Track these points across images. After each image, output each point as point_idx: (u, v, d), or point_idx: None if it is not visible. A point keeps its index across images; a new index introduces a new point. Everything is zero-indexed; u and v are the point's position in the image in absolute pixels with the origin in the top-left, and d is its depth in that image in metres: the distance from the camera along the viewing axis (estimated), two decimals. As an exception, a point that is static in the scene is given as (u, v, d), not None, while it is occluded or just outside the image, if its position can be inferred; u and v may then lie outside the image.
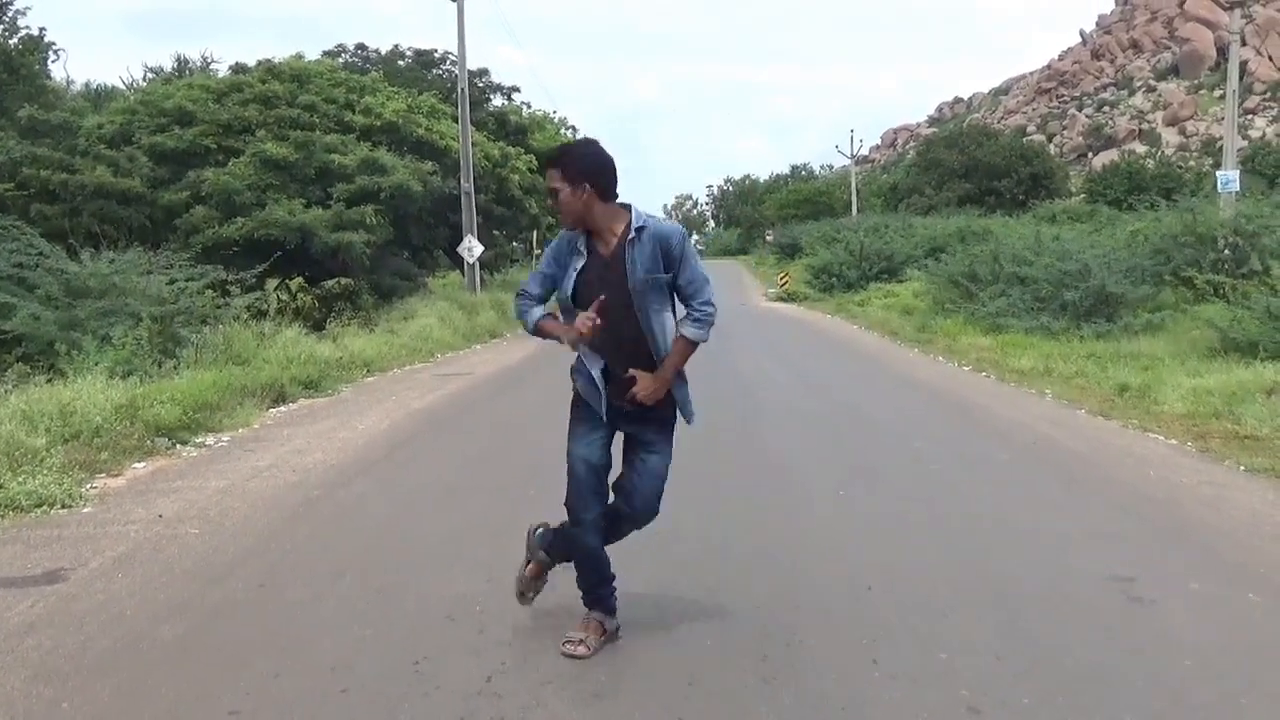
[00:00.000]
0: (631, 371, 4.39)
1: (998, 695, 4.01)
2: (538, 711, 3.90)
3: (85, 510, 7.22)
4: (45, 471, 7.69)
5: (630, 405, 4.42)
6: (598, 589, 4.58)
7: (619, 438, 4.59)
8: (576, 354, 4.50)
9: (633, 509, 4.56)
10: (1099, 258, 19.11)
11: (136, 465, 8.68)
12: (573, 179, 4.33)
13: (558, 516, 4.66)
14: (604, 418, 4.45)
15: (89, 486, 7.84)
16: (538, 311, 4.52)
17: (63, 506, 7.22)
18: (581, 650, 4.42)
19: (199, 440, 9.84)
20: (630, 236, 4.34)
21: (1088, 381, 12.90)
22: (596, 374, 4.42)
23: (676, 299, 4.50)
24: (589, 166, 4.38)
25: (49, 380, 11.01)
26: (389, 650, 4.49)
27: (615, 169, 4.40)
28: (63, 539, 6.42)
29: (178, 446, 9.50)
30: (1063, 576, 5.51)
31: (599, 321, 4.25)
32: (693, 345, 4.47)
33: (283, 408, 12.24)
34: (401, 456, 8.92)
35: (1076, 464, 8.54)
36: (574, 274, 4.39)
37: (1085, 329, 17.06)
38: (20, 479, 7.43)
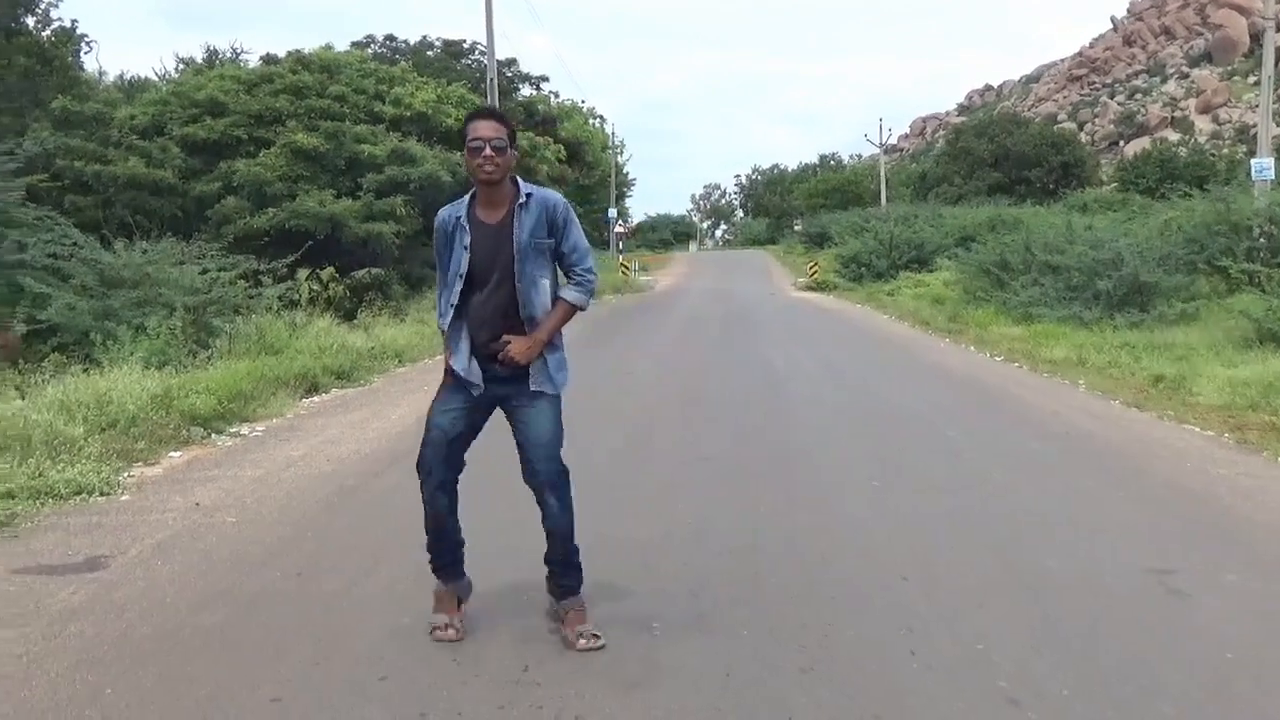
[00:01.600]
0: (505, 337, 4.41)
1: (1036, 687, 4.00)
2: (575, 701, 3.91)
3: (123, 498, 7.28)
4: (83, 460, 7.77)
5: (502, 365, 4.42)
6: (442, 558, 4.66)
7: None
8: (450, 337, 4.52)
9: (534, 475, 4.53)
10: (1132, 247, 18.97)
11: (172, 454, 8.75)
12: (512, 141, 4.46)
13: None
14: (481, 386, 4.46)
15: (126, 475, 7.91)
16: (445, 320, 4.53)
17: (101, 494, 7.29)
18: (451, 634, 4.51)
19: (233, 430, 9.91)
20: (520, 201, 4.41)
21: (1121, 372, 12.81)
22: (464, 362, 4.46)
23: (559, 270, 4.58)
24: (515, 135, 4.54)
25: (85, 370, 11.12)
26: (427, 639, 4.52)
27: None
28: (102, 526, 6.49)
29: (213, 436, 9.57)
30: (1099, 568, 5.49)
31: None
32: (572, 309, 4.51)
33: (316, 398, 12.30)
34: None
35: (1111, 455, 8.49)
36: (465, 251, 4.42)
37: (1118, 319, 16.94)
38: (59, 467, 7.50)
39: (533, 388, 4.46)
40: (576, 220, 4.57)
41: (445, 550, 4.65)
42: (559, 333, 4.55)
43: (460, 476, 4.62)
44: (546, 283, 4.46)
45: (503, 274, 4.40)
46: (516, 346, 4.38)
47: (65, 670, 4.23)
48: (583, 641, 4.42)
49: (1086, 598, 5.03)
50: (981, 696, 3.93)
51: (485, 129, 4.38)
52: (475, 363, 4.46)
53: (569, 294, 4.49)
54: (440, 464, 4.51)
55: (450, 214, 4.53)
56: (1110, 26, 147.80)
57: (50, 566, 5.69)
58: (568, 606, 4.59)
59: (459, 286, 4.44)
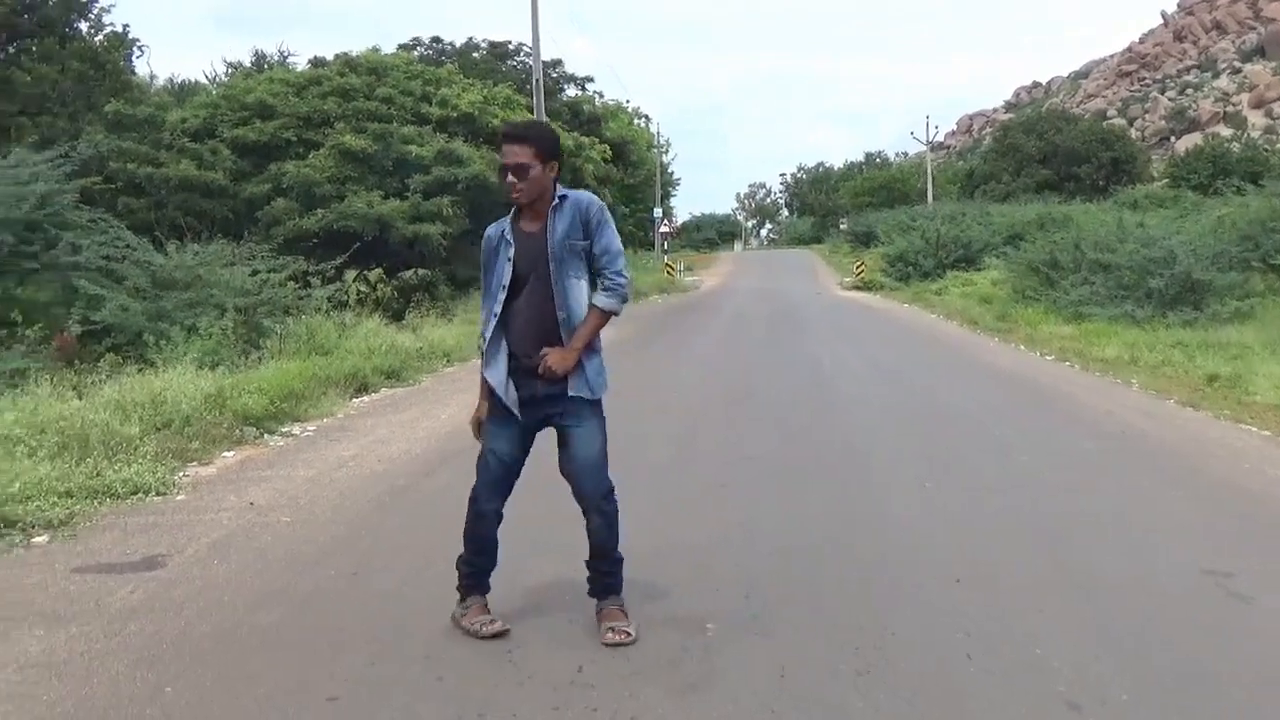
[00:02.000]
0: (544, 350, 4.40)
1: (1096, 691, 3.95)
2: (630, 703, 3.91)
3: (179, 498, 7.36)
4: (140, 460, 7.86)
5: (541, 378, 4.42)
6: (474, 575, 4.69)
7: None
8: (488, 349, 4.53)
9: (580, 497, 4.55)
10: (1184, 244, 18.75)
11: (226, 454, 8.84)
12: (544, 157, 4.42)
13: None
14: (517, 414, 4.47)
15: (181, 474, 8.00)
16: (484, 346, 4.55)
17: (157, 494, 7.37)
18: (499, 625, 4.57)
19: (285, 430, 10.00)
20: (554, 203, 4.43)
21: (1175, 371, 12.67)
22: (501, 378, 4.46)
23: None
24: (556, 146, 4.52)
25: (140, 370, 11.25)
26: (482, 640, 4.53)
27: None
28: (159, 526, 6.56)
29: (265, 436, 9.65)
30: (1158, 570, 5.42)
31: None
32: (604, 316, 4.49)
33: (365, 398, 12.39)
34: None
35: (1167, 455, 8.39)
36: (508, 264, 4.44)
37: (1171, 317, 16.76)
38: (116, 467, 7.59)
39: (571, 393, 4.45)
40: (611, 222, 4.56)
41: (480, 566, 4.69)
42: (597, 337, 4.55)
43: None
44: (583, 283, 4.46)
45: (539, 279, 4.42)
46: (553, 357, 4.38)
47: (126, 668, 4.28)
48: (610, 635, 4.45)
49: (1144, 600, 4.97)
50: (1041, 701, 3.89)
51: (508, 153, 4.41)
52: (512, 383, 4.47)
53: (600, 300, 4.47)
54: (496, 494, 4.57)
55: (496, 229, 4.57)
56: (1161, 21, 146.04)
57: (109, 565, 5.76)
58: (606, 605, 4.61)
59: (502, 296, 4.45)
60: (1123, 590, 5.11)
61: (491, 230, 4.60)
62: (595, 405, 4.55)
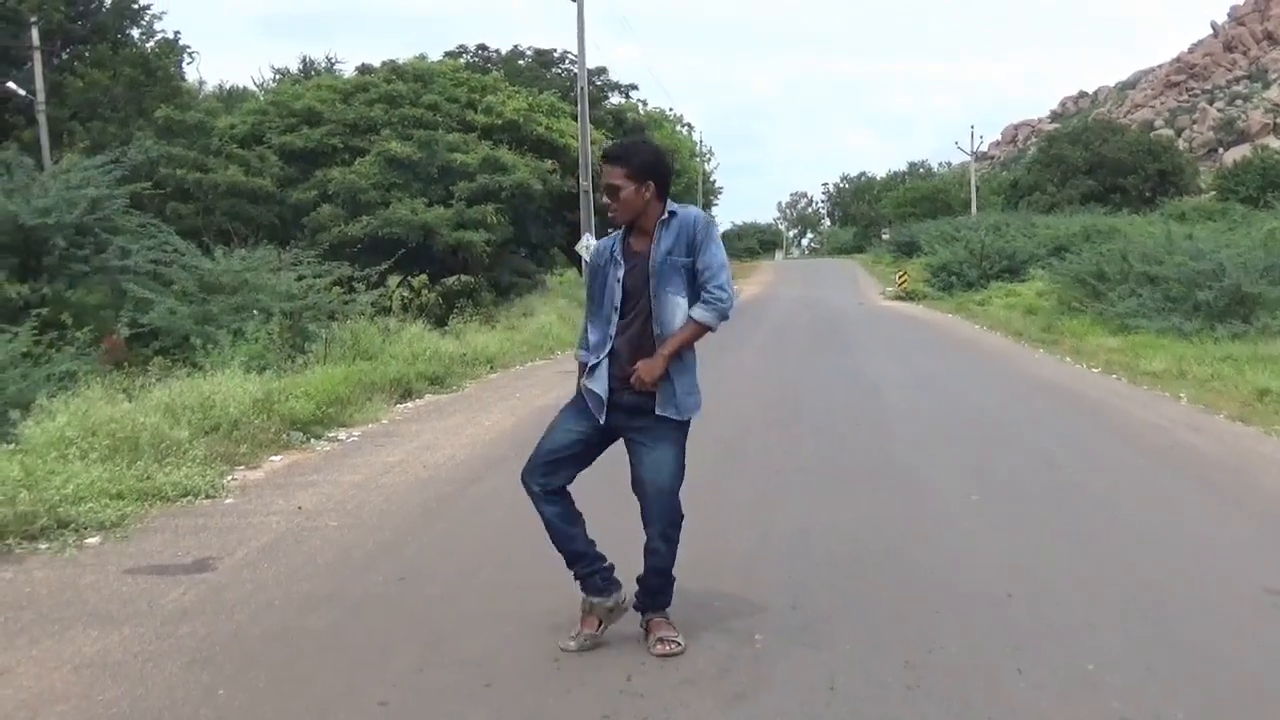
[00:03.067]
0: (638, 364, 4.39)
1: (1150, 708, 3.90)
2: (680, 711, 3.91)
3: (227, 501, 7.44)
4: (189, 463, 7.95)
5: (631, 391, 4.39)
6: (575, 566, 4.60)
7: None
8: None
9: (649, 520, 4.48)
10: (1234, 257, 18.50)
11: (273, 458, 8.92)
12: (636, 177, 4.39)
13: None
14: (600, 419, 4.46)
15: (230, 478, 8.08)
16: (584, 355, 4.56)
17: (206, 497, 7.46)
18: (570, 645, 4.50)
19: (331, 434, 10.07)
20: (662, 218, 4.41)
21: (1224, 385, 12.48)
22: (602, 385, 4.45)
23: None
24: (652, 165, 4.46)
25: (189, 374, 11.37)
26: (530, 646, 4.55)
27: (672, 170, 4.49)
28: (208, 529, 6.63)
29: (311, 441, 9.73)
30: (1212, 586, 5.34)
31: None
32: (700, 329, 4.43)
33: (410, 403, 12.46)
34: (530, 452, 8.96)
35: (1218, 470, 8.28)
36: (617, 285, 4.43)
37: (1219, 330, 16.52)
38: (166, 470, 7.68)
39: (658, 412, 4.40)
40: (717, 238, 4.50)
41: (569, 560, 4.61)
42: (691, 354, 4.51)
43: (568, 488, 4.59)
44: (682, 300, 4.40)
45: (642, 297, 4.42)
46: (642, 366, 4.35)
47: (179, 670, 4.33)
48: (660, 646, 4.43)
49: (1200, 617, 4.90)
50: (1094, 717, 3.85)
51: (605, 174, 4.43)
52: (606, 404, 4.46)
53: (697, 312, 4.41)
54: (540, 473, 4.52)
55: (606, 245, 4.55)
56: (1210, 32, 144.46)
57: (161, 567, 5.83)
58: (653, 616, 4.59)
59: (616, 319, 4.44)
60: (1178, 607, 5.05)
61: (601, 246, 4.58)
62: (679, 428, 4.48)
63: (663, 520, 4.45)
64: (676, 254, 4.38)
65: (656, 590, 4.59)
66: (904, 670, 4.27)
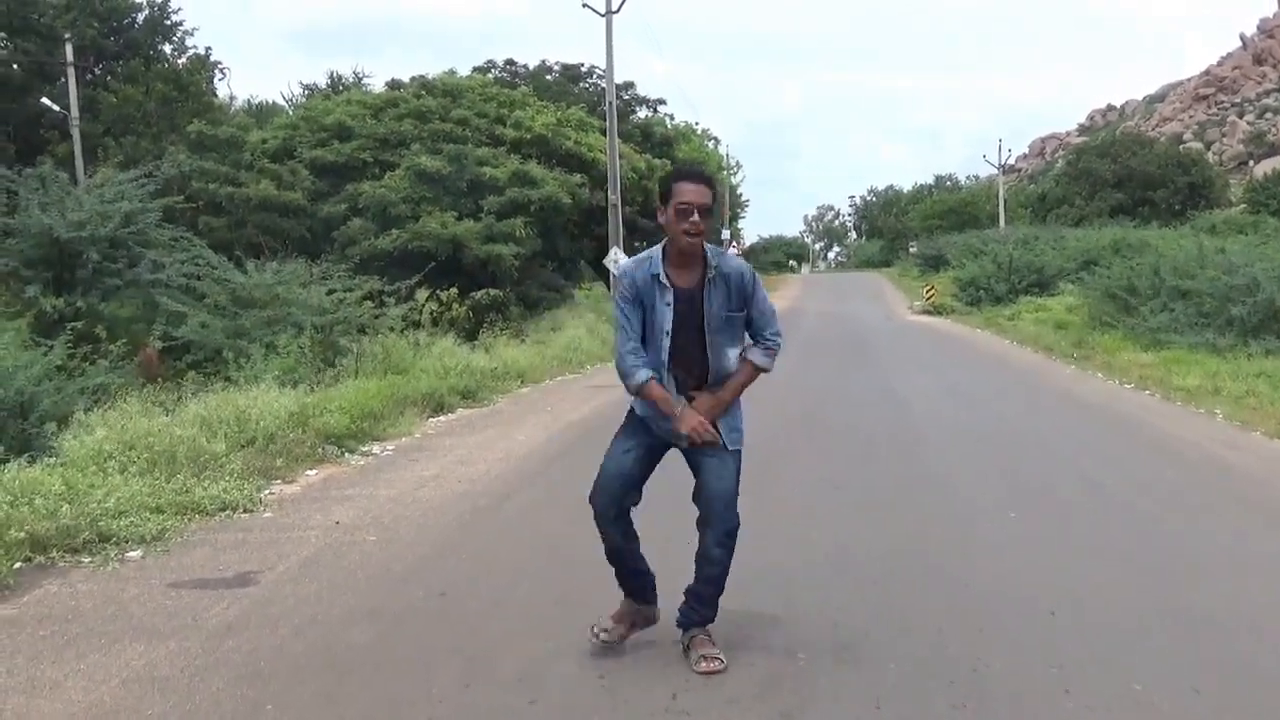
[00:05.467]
0: (692, 393, 4.48)
1: (1201, 730, 3.88)
2: (726, 730, 3.91)
3: (265, 515, 7.48)
4: (226, 477, 7.99)
5: (689, 444, 4.46)
6: (629, 581, 4.72)
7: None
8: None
9: (709, 524, 4.53)
10: (1268, 271, 18.35)
11: (309, 472, 8.96)
12: (713, 202, 4.47)
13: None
14: (654, 428, 4.54)
15: (267, 492, 8.12)
16: (644, 373, 4.44)
17: (244, 511, 7.50)
18: (603, 637, 4.61)
19: (365, 449, 10.11)
20: (710, 275, 4.43)
21: (1260, 402, 12.38)
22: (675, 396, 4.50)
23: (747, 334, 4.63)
24: (716, 195, 4.52)
25: (222, 388, 11.45)
26: (573, 663, 4.55)
27: None
28: (248, 543, 6.66)
29: (346, 455, 9.76)
30: (1258, 607, 5.29)
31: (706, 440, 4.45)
32: (757, 372, 4.59)
33: (442, 417, 12.49)
34: (564, 467, 9.00)
35: (1258, 489, 8.21)
36: (668, 309, 4.43)
37: (1253, 346, 16.39)
38: (204, 484, 7.72)
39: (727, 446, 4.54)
40: (762, 285, 4.62)
41: (626, 576, 4.72)
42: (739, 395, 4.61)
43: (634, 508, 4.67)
44: (735, 352, 4.54)
45: (688, 339, 4.45)
46: (701, 404, 4.45)
47: (226, 684, 4.35)
48: (704, 663, 4.43)
49: (1247, 637, 4.86)
50: (1143, 739, 3.82)
51: (693, 193, 4.38)
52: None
53: (756, 356, 4.55)
54: (612, 499, 4.57)
55: (643, 269, 4.48)
56: (1239, 44, 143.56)
57: (203, 581, 5.86)
58: (695, 634, 4.59)
59: (666, 343, 4.45)
60: (1224, 627, 5.00)
61: (634, 267, 4.52)
62: (725, 448, 4.58)
63: (721, 527, 4.51)
64: (730, 310, 4.47)
65: (707, 601, 4.60)
66: (949, 689, 4.25)
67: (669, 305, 4.42)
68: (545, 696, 4.22)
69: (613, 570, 4.73)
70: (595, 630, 4.64)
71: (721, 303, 4.44)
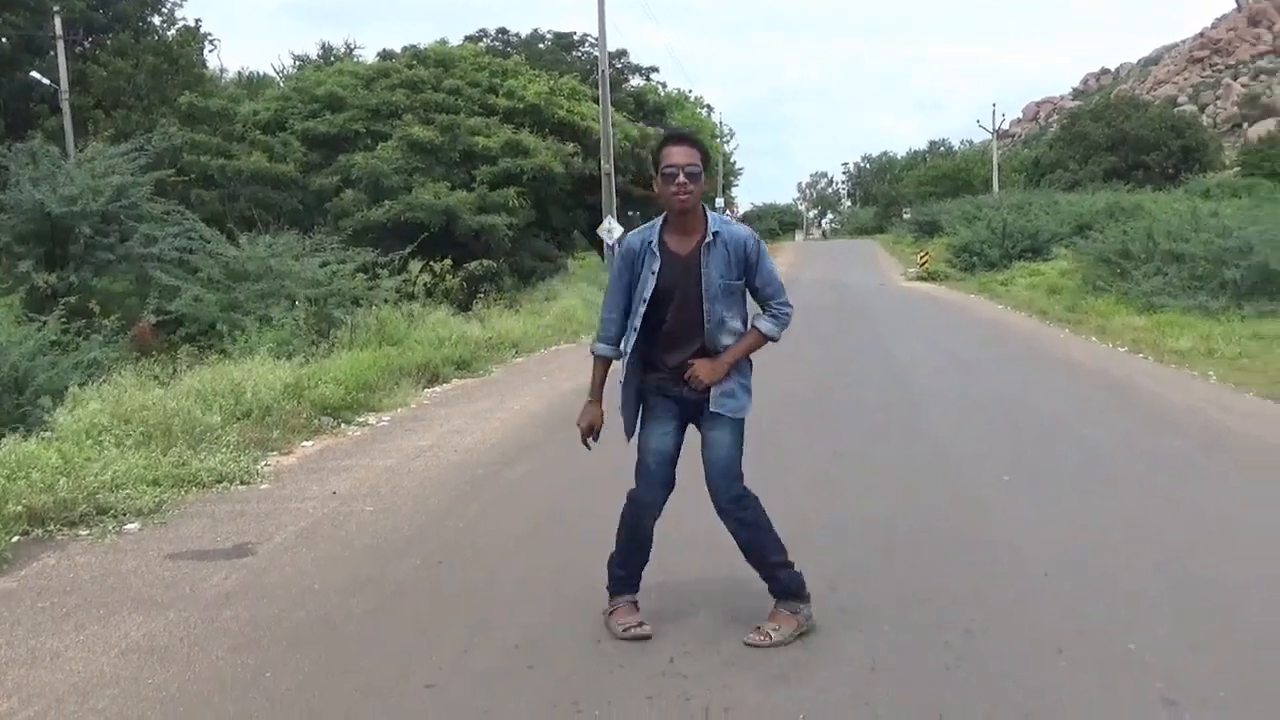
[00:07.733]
0: (690, 361, 4.37)
1: (1194, 688, 3.91)
2: (723, 693, 3.94)
3: (263, 487, 7.49)
4: (223, 449, 8.00)
5: (687, 388, 4.38)
6: (629, 574, 4.63)
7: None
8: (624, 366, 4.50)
9: (713, 497, 4.47)
10: (1261, 234, 18.36)
11: (305, 444, 8.97)
12: (705, 165, 4.38)
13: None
14: (675, 404, 4.47)
15: (263, 464, 8.14)
16: (601, 348, 4.52)
17: (241, 483, 7.52)
18: (647, 629, 4.49)
19: (361, 420, 10.12)
20: (707, 240, 4.33)
21: (1252, 363, 12.44)
22: (631, 399, 4.51)
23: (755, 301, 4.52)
24: (708, 157, 4.42)
25: (216, 361, 11.44)
26: (571, 629, 4.58)
27: None
28: (245, 514, 6.68)
29: (342, 426, 9.79)
30: (1253, 565, 5.33)
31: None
32: (763, 340, 4.46)
33: (437, 388, 12.49)
34: (560, 437, 8.98)
35: (1252, 449, 8.24)
36: (652, 277, 4.36)
37: (1246, 308, 16.44)
38: (200, 456, 7.74)
39: (711, 409, 4.41)
40: (767, 253, 4.50)
41: (636, 564, 4.62)
42: (748, 362, 4.51)
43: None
44: (737, 323, 4.41)
45: (685, 307, 4.35)
46: (702, 368, 4.34)
47: (225, 653, 4.38)
48: (751, 636, 4.40)
49: (1241, 596, 4.89)
50: (1137, 697, 3.86)
51: (680, 155, 4.29)
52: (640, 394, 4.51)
53: (764, 324, 4.44)
54: (661, 488, 4.50)
55: (640, 238, 4.45)
56: (1234, 6, 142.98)
57: (201, 552, 5.89)
58: (774, 607, 4.54)
59: (643, 310, 4.38)
60: (1218, 586, 5.04)
61: (634, 237, 4.48)
62: (728, 415, 4.48)
63: (721, 495, 4.45)
64: (730, 278, 4.36)
65: (768, 577, 4.55)
66: (944, 650, 4.29)
67: (653, 273, 4.34)
68: (544, 661, 4.25)
69: (611, 571, 4.64)
70: (629, 631, 4.48)
71: (721, 270, 4.33)
